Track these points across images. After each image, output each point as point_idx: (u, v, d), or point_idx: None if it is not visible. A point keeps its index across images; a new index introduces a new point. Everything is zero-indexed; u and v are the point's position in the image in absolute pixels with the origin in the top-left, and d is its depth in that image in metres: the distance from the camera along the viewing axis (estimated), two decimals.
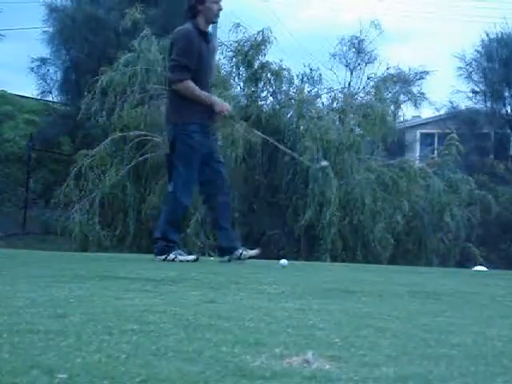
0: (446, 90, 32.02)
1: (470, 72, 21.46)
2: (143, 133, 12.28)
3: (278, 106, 13.54)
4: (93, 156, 12.34)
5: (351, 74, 17.29)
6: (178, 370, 1.51)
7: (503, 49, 21.03)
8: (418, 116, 22.59)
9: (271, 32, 13.46)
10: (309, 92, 14.02)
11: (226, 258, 5.62)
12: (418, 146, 22.54)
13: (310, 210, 11.94)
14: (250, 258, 5.62)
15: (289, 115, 13.43)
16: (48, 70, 17.56)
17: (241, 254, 5.57)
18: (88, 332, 1.91)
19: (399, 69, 15.84)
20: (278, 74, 13.45)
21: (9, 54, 30.47)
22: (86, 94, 12.89)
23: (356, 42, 17.16)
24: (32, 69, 17.38)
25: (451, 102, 21.64)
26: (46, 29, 16.78)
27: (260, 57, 13.51)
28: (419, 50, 43.79)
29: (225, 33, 13.87)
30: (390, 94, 15.06)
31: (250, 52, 13.37)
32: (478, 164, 19.30)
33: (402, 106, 15.41)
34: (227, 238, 5.70)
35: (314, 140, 12.36)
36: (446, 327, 2.31)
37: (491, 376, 1.60)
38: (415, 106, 16.18)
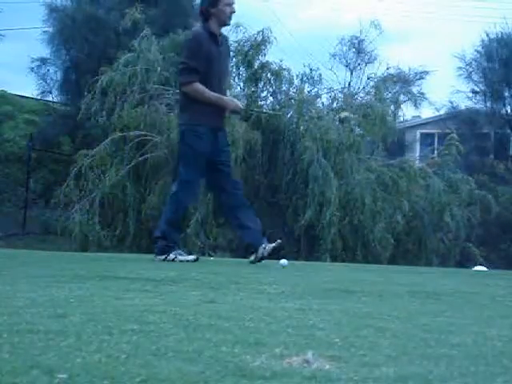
0: (446, 89, 32.06)
1: (470, 72, 21.45)
2: (143, 133, 12.27)
3: (278, 106, 13.54)
4: (93, 156, 12.33)
5: (351, 74, 17.33)
6: (178, 370, 1.51)
7: (503, 49, 21.02)
8: (418, 116, 22.60)
9: (271, 32, 13.46)
10: (309, 92, 14.01)
11: (253, 258, 5.49)
12: (418, 146, 22.54)
13: (309, 210, 11.93)
14: (274, 249, 5.48)
15: (289, 115, 13.43)
16: (48, 70, 17.56)
17: (264, 247, 5.42)
18: (88, 332, 1.91)
19: (399, 69, 15.90)
20: (277, 74, 13.44)
21: (9, 54, 30.51)
22: (85, 94, 12.87)
23: (356, 42, 17.19)
24: (32, 69, 17.39)
25: (451, 102, 21.67)
26: (46, 29, 16.79)
27: (260, 57, 13.51)
28: (419, 50, 43.83)
29: (225, 33, 13.83)
30: (389, 94, 15.06)
31: (250, 52, 13.35)
32: (478, 164, 19.29)
33: (401, 105, 15.43)
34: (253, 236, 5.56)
35: (314, 140, 12.36)
36: (446, 327, 2.31)
37: (491, 376, 1.60)
38: (415, 106, 16.23)
